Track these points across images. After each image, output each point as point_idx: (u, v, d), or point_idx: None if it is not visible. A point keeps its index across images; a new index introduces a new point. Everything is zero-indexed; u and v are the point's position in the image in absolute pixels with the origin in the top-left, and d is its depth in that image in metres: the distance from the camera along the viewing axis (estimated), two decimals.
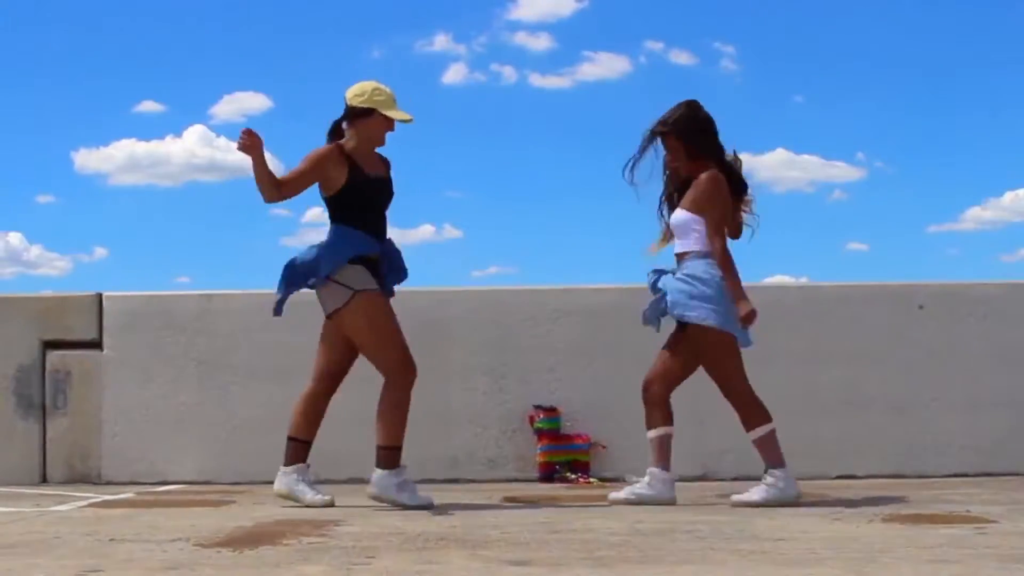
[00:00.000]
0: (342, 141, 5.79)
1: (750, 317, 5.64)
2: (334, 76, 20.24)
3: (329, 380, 5.84)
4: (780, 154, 19.33)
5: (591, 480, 7.11)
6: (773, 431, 5.73)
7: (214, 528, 4.79)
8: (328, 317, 5.76)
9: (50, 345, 7.48)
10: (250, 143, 5.58)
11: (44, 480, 7.38)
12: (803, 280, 8.51)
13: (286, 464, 5.87)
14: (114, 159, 20.16)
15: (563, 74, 20.82)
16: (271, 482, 7.03)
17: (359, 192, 5.73)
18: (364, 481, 6.99)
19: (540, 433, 7.26)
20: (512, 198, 20.01)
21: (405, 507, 5.59)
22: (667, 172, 5.92)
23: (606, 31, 20.74)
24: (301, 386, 6.90)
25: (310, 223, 18.88)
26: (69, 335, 7.49)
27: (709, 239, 5.71)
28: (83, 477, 7.36)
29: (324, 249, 5.72)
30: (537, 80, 19.85)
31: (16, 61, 20.49)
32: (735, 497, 5.71)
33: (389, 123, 5.77)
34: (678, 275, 5.73)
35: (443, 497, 6.04)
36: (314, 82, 20.19)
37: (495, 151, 20.17)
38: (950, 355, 7.38)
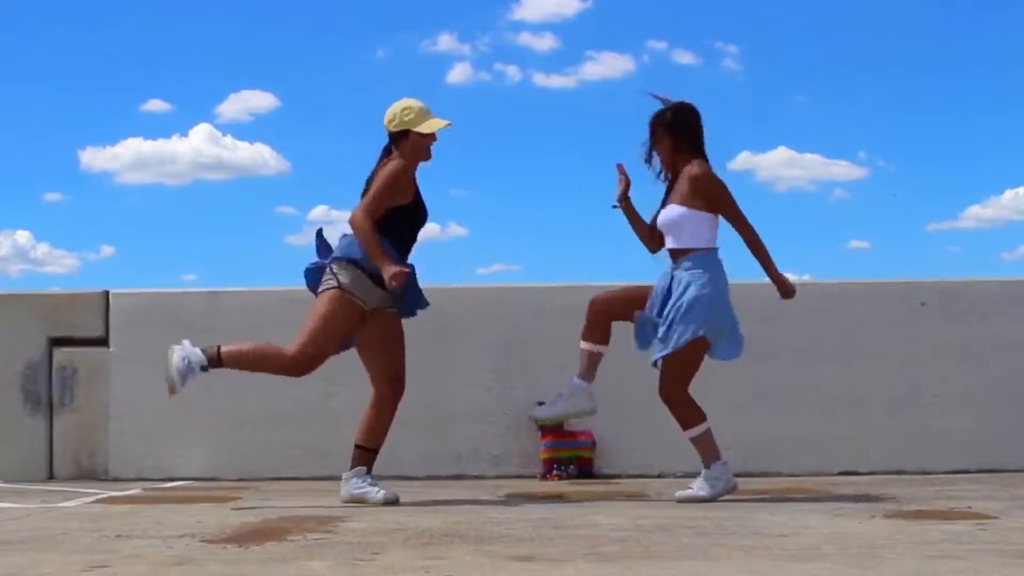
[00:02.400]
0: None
1: None
2: (340, 75, 20.29)
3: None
4: (782, 152, 19.38)
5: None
6: (710, 430, 5.78)
7: (220, 524, 4.82)
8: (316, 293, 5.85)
9: (57, 342, 7.50)
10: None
11: (51, 476, 7.41)
12: (806, 277, 8.49)
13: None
14: (121, 158, 20.21)
15: (567, 74, 20.86)
16: (277, 478, 7.10)
17: (412, 216, 5.84)
18: (371, 478, 7.05)
19: (544, 429, 7.28)
20: (516, 196, 20.06)
21: None
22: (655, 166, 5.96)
23: (609, 31, 20.78)
24: (307, 382, 6.94)
25: (315, 221, 18.97)
26: (76, 332, 7.51)
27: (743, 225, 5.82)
28: (90, 473, 7.39)
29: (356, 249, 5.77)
30: (541, 80, 19.89)
31: (24, 60, 20.54)
32: (680, 493, 5.74)
33: (426, 137, 5.82)
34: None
35: (448, 493, 6.08)
36: (320, 81, 20.24)
37: (499, 150, 20.20)
38: (952, 352, 7.38)
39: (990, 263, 21.65)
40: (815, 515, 5.01)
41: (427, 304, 5.97)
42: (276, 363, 5.84)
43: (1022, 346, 7.37)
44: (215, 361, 5.77)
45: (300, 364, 5.82)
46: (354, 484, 5.79)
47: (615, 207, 6.03)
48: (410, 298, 5.88)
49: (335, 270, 5.76)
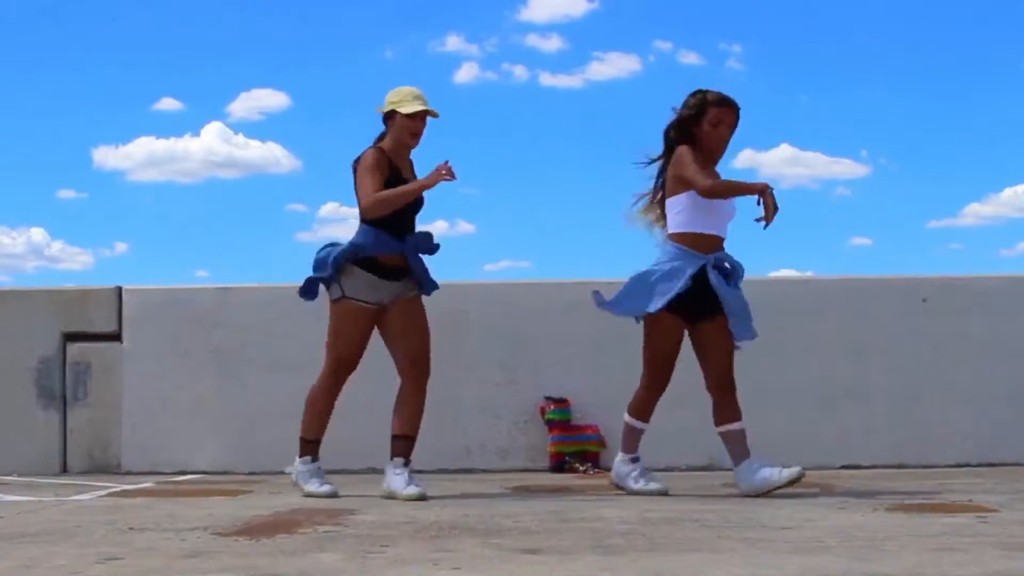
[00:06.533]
0: (381, 143, 5.93)
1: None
2: (349, 75, 20.30)
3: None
4: (784, 150, 19.35)
5: (603, 471, 7.18)
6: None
7: (232, 517, 4.86)
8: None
9: (71, 337, 7.54)
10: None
11: (64, 470, 7.44)
12: (808, 274, 8.55)
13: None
14: (133, 156, 20.26)
15: (573, 74, 20.84)
16: (288, 472, 7.14)
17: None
18: (377, 472, 7.11)
19: (551, 424, 7.33)
20: (524, 194, 20.05)
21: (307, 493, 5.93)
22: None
23: (616, 31, 20.74)
24: (316, 378, 6.99)
25: (326, 218, 19.06)
26: (89, 327, 7.55)
27: None
28: (103, 467, 7.43)
29: (344, 246, 5.86)
30: (548, 79, 19.85)
31: (36, 60, 20.58)
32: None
33: (407, 119, 5.83)
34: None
35: (456, 487, 6.11)
36: (330, 80, 20.26)
37: (507, 148, 20.13)
38: (953, 347, 7.40)
39: (990, 260, 21.66)
40: (818, 508, 5.04)
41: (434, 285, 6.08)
42: (314, 394, 6.04)
43: (1022, 341, 7.41)
44: (308, 448, 6.06)
45: (329, 376, 5.98)
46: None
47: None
48: (426, 275, 6.00)
49: (338, 279, 5.85)
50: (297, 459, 6.03)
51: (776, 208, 5.51)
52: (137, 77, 20.63)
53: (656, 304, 5.72)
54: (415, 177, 5.93)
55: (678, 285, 5.70)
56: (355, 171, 5.87)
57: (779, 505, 5.18)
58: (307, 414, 6.01)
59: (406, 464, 5.81)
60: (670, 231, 5.84)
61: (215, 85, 20.89)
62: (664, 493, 5.79)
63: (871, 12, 20.36)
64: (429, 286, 6.00)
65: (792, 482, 5.60)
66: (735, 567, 3.52)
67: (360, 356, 5.95)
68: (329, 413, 6.01)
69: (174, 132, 20.33)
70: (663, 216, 5.92)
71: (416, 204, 5.93)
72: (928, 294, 7.46)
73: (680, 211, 5.78)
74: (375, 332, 5.97)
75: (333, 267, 5.80)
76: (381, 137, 5.96)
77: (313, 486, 5.91)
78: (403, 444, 5.86)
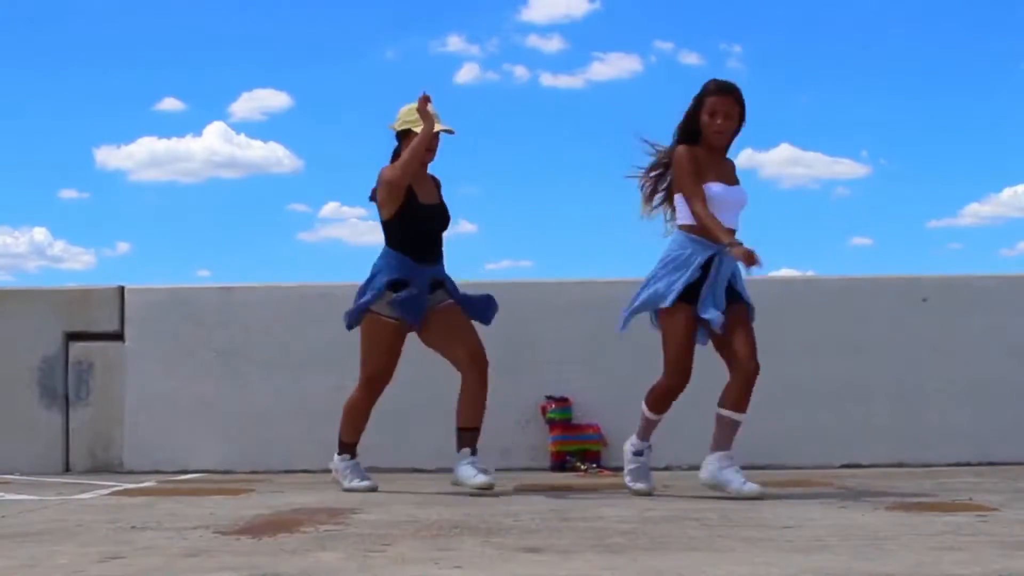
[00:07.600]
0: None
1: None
2: (351, 75, 20.36)
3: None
4: (785, 150, 19.38)
5: (604, 469, 7.19)
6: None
7: (233, 516, 4.87)
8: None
9: (73, 337, 7.55)
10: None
11: (67, 469, 7.46)
12: (809, 273, 8.56)
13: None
14: (135, 156, 20.32)
15: (574, 74, 20.88)
16: (289, 471, 7.16)
17: (411, 220, 5.98)
18: (380, 471, 7.13)
19: (552, 423, 7.34)
20: (525, 194, 20.10)
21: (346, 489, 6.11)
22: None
23: (617, 32, 20.80)
24: (318, 377, 7.04)
25: (327, 218, 19.11)
26: (92, 327, 7.57)
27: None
28: (105, 466, 7.44)
29: (370, 279, 6.04)
30: (549, 80, 19.90)
31: (39, 60, 20.62)
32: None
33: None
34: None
35: (457, 486, 6.13)
36: (332, 81, 20.32)
37: (508, 148, 20.16)
38: (953, 346, 7.41)
39: (989, 260, 21.71)
40: (819, 507, 5.06)
41: (493, 310, 6.32)
42: (352, 405, 6.22)
43: (1022, 341, 7.42)
44: (346, 448, 6.27)
45: (364, 388, 6.17)
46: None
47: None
48: (472, 301, 6.22)
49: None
50: (336, 456, 6.26)
51: (752, 258, 5.41)
52: (139, 77, 20.70)
53: (669, 298, 5.61)
54: (433, 190, 6.11)
55: (687, 275, 5.60)
56: (375, 193, 6.03)
57: (779, 504, 5.20)
58: (345, 423, 6.24)
59: (473, 454, 6.06)
60: (679, 223, 5.76)
61: (217, 85, 20.96)
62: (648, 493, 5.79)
63: (871, 12, 20.41)
64: (484, 315, 6.29)
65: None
66: (735, 566, 3.53)
67: (392, 369, 6.14)
68: (366, 420, 6.25)
69: (176, 132, 20.41)
70: (673, 208, 5.86)
71: (442, 223, 6.13)
72: (928, 293, 7.48)
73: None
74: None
75: (366, 304, 6.02)
76: (396, 154, 6.05)
77: (354, 482, 6.14)
78: (470, 436, 6.12)
